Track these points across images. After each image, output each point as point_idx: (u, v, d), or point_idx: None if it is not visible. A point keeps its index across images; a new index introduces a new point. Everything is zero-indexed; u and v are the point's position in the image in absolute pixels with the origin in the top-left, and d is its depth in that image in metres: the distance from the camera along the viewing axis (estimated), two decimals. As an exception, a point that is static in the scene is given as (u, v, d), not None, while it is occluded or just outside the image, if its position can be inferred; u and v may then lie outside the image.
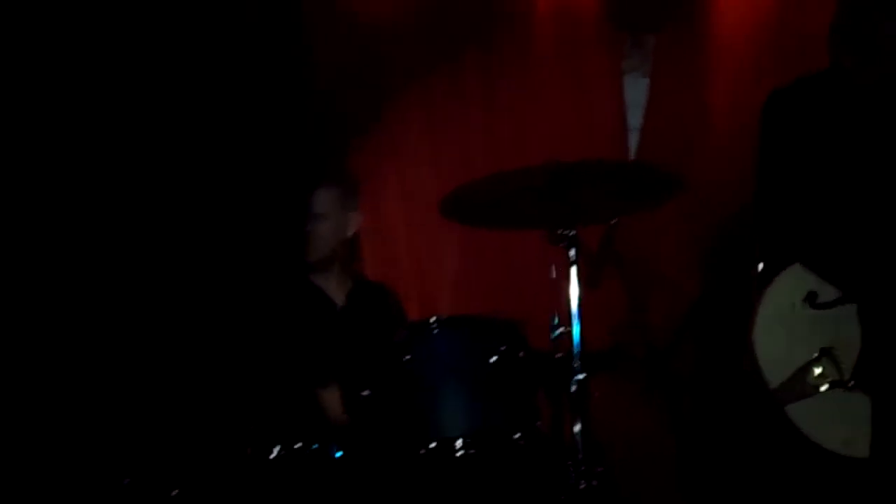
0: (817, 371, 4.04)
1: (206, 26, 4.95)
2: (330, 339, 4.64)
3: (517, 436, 3.99)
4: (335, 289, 4.77)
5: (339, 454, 3.97)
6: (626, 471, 4.92)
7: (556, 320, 4.29)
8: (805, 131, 4.16)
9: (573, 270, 4.26)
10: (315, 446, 3.97)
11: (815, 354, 4.04)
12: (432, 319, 4.13)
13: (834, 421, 4.01)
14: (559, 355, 4.25)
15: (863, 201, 4.11)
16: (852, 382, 4.02)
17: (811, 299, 4.10)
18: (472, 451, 3.92)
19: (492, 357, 4.05)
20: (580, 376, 4.15)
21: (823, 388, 4.02)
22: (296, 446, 3.96)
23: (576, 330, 4.19)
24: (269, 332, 4.54)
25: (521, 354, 4.13)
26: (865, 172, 4.15)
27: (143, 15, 4.92)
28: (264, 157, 4.92)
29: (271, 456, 3.95)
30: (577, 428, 4.13)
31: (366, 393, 4.03)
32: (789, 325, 4.08)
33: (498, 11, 5.45)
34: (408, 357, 3.99)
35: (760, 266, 4.20)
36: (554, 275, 4.33)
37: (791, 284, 4.12)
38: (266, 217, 4.83)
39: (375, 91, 5.40)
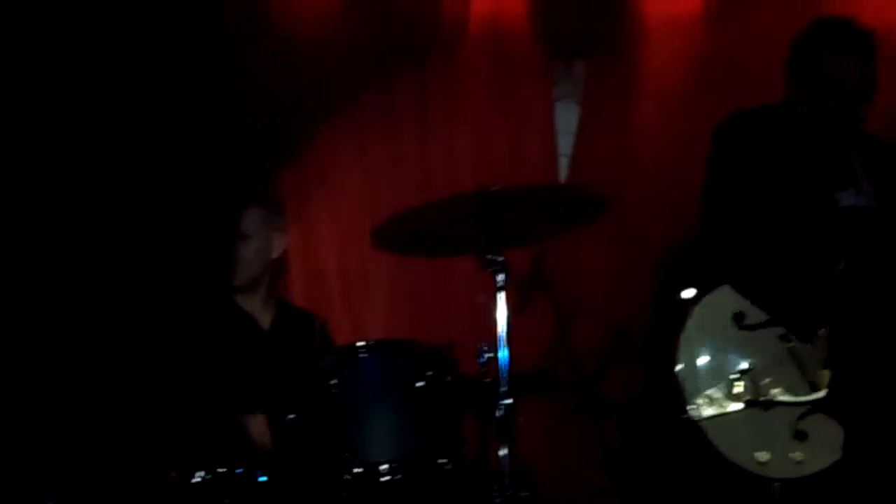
0: (736, 390, 4.09)
1: (134, 45, 4.92)
2: (255, 362, 4.62)
3: (443, 461, 3.99)
4: (261, 312, 4.75)
5: (263, 479, 3.96)
6: (553, 495, 4.95)
7: (485, 345, 4.31)
8: (753, 158, 4.23)
9: (501, 295, 4.28)
10: (239, 471, 3.95)
11: (737, 373, 4.10)
12: (360, 344, 4.14)
13: (749, 440, 4.06)
14: (487, 380, 4.27)
15: (799, 232, 4.18)
16: (771, 403, 4.08)
17: (738, 319, 4.16)
18: (397, 477, 3.93)
19: (419, 382, 4.06)
20: (507, 401, 4.17)
21: (739, 406, 4.08)
22: (220, 470, 3.94)
23: (503, 355, 4.21)
24: (194, 355, 4.50)
25: (448, 379, 4.14)
26: (804, 204, 4.24)
27: (76, 34, 4.89)
28: (192, 178, 4.88)
29: (195, 480, 3.94)
30: (503, 452, 4.14)
31: (291, 417, 4.02)
32: (715, 343, 4.14)
33: (430, 37, 5.47)
34: (334, 381, 3.99)
35: (687, 292, 4.25)
36: (483, 300, 4.35)
37: (721, 303, 4.18)
38: (193, 238, 4.78)
39: (306, 115, 5.39)
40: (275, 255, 4.81)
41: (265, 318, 4.75)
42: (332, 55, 5.39)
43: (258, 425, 4.42)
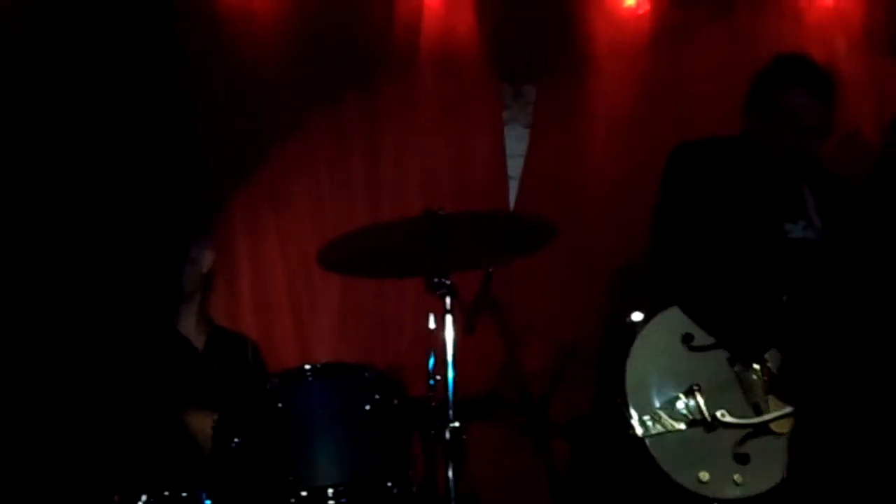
0: (681, 410, 4.12)
1: (89, 66, 4.90)
2: (191, 383, 4.60)
3: (389, 484, 3.99)
4: (194, 333, 4.74)
5: (208, 502, 3.94)
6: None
7: (432, 368, 4.32)
8: (706, 185, 4.27)
9: (449, 318, 4.29)
10: (184, 495, 3.93)
11: (682, 392, 4.13)
12: (306, 367, 4.13)
13: (690, 458, 4.08)
14: (434, 403, 4.27)
15: (747, 260, 4.22)
16: (715, 423, 4.11)
17: (687, 340, 4.19)
18: (343, 500, 3.91)
19: (365, 405, 4.05)
20: (454, 424, 4.17)
21: (682, 426, 4.10)
22: (164, 494, 3.92)
23: (450, 377, 4.21)
24: (130, 375, 4.47)
25: (395, 402, 4.13)
26: (753, 233, 4.29)
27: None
28: (139, 200, 4.86)
29: (139, 504, 3.91)
30: (450, 475, 4.14)
31: (237, 440, 4.00)
32: (662, 362, 4.16)
33: (379, 59, 5.47)
34: (280, 405, 3.98)
35: (636, 315, 4.28)
36: (431, 323, 4.36)
37: (670, 323, 4.21)
38: (136, 259, 4.76)
39: (256, 136, 5.38)
40: (204, 269, 4.81)
41: (199, 340, 4.74)
42: (282, 76, 5.38)
43: (199, 421, 4.36)
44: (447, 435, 4.16)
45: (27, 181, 4.75)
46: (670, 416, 4.11)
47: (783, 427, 4.17)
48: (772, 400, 4.18)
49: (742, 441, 4.13)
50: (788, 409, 4.18)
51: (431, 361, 4.31)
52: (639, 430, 4.07)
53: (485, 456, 4.91)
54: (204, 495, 3.94)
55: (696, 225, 4.23)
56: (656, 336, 4.20)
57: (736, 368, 4.19)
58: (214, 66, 5.29)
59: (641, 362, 4.15)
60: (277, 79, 5.38)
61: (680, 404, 4.13)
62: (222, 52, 5.33)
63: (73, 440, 4.46)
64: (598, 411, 5.00)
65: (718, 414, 4.12)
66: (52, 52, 4.82)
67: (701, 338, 4.20)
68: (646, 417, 4.09)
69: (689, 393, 4.13)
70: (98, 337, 4.55)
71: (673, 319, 4.22)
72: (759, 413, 4.16)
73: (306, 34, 5.42)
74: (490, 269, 4.81)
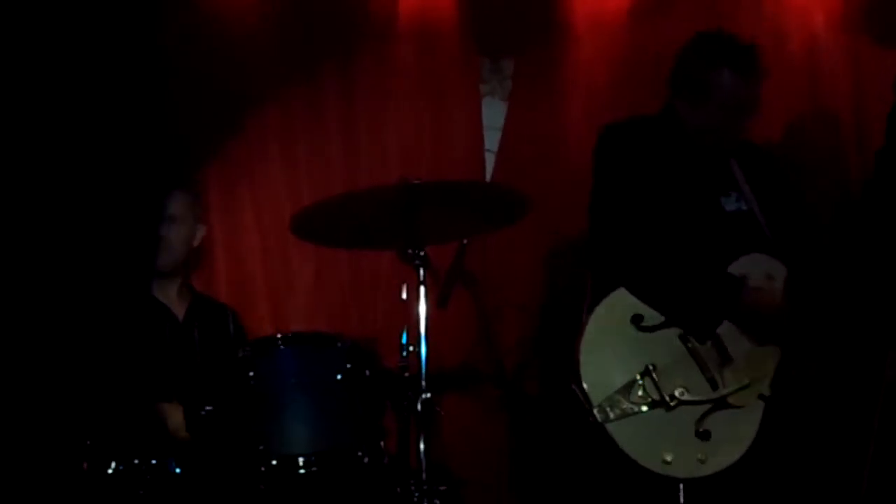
0: (638, 391, 4.11)
1: (61, 28, 4.85)
2: (170, 352, 4.58)
3: (360, 454, 3.99)
4: (175, 302, 4.72)
5: (177, 470, 3.93)
6: (472, 489, 4.96)
7: (406, 339, 4.32)
8: (634, 167, 4.28)
9: (423, 290, 4.29)
10: (153, 462, 3.92)
11: (638, 375, 4.12)
12: (278, 336, 4.13)
13: (653, 440, 4.08)
14: (407, 374, 4.28)
15: (689, 236, 4.23)
16: (674, 402, 4.11)
17: (637, 321, 4.19)
18: (314, 469, 3.92)
19: (337, 375, 4.05)
20: (426, 395, 4.18)
21: (642, 409, 4.10)
22: (133, 462, 3.91)
23: (423, 349, 4.22)
24: (108, 343, 4.45)
25: (367, 373, 4.14)
26: (692, 209, 4.30)
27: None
28: (115, 165, 4.82)
29: (108, 471, 3.90)
30: (421, 447, 4.15)
31: (208, 409, 4.00)
32: (615, 345, 4.16)
33: (357, 29, 5.43)
34: (251, 373, 3.98)
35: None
36: (405, 294, 4.36)
37: (619, 305, 4.20)
38: (113, 225, 4.72)
39: (232, 106, 5.35)
40: (195, 243, 4.83)
41: (179, 309, 4.72)
42: (258, 46, 5.33)
43: (175, 414, 4.38)
44: (419, 406, 4.18)
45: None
46: (629, 400, 4.09)
47: (741, 400, 4.18)
48: (727, 373, 4.19)
49: (702, 418, 4.13)
50: (746, 382, 4.19)
51: (405, 333, 4.32)
52: (599, 417, 4.06)
53: (458, 428, 4.91)
54: (174, 463, 3.95)
55: (635, 205, 4.21)
56: (606, 319, 4.18)
57: (689, 345, 4.19)
58: (191, 35, 5.25)
59: (595, 347, 4.14)
60: (256, 48, 5.33)
61: (637, 387, 4.11)
62: (199, 21, 5.28)
63: (41, 408, 4.44)
64: (552, 394, 5.00)
65: (677, 392, 4.12)
66: (21, 14, 4.76)
67: (651, 317, 4.19)
68: (605, 403, 4.07)
69: (646, 374, 4.13)
70: (71, 304, 4.52)
71: (621, 301, 4.20)
72: (715, 388, 4.17)
73: (285, 4, 5.38)
74: (465, 241, 4.82)
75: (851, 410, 4.52)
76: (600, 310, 4.19)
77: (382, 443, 4.13)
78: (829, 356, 4.59)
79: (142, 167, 4.85)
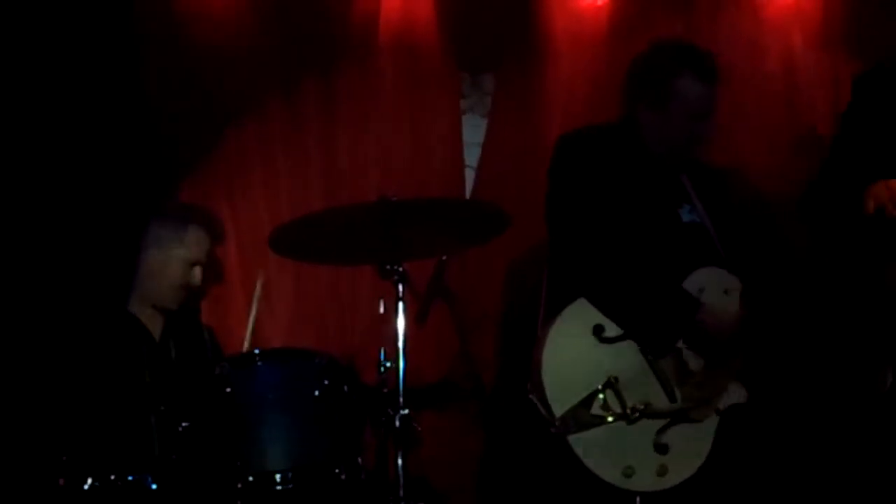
0: (600, 403, 4.11)
1: (38, 45, 4.84)
2: (146, 369, 4.56)
3: (337, 470, 3.99)
4: (152, 319, 4.69)
5: (154, 486, 3.92)
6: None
7: (384, 355, 4.32)
8: (592, 175, 4.28)
9: (401, 305, 4.30)
10: (130, 478, 3.91)
11: (599, 386, 4.12)
12: (255, 352, 4.13)
13: (613, 453, 4.08)
14: (386, 390, 4.28)
15: (640, 246, 4.22)
16: (634, 415, 4.11)
17: (598, 332, 4.18)
18: (291, 485, 3.92)
19: (315, 391, 4.05)
20: (404, 411, 4.18)
21: (603, 421, 4.09)
22: (110, 478, 3.90)
23: (401, 365, 4.22)
24: (85, 359, 4.43)
25: (345, 388, 4.14)
26: (644, 219, 4.30)
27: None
28: (94, 183, 4.81)
29: (85, 487, 3.89)
30: (399, 462, 4.15)
31: (185, 425, 3.98)
32: (576, 356, 4.15)
33: (338, 44, 5.44)
34: (229, 389, 3.97)
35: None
36: (383, 310, 4.36)
37: (580, 315, 4.19)
38: (91, 243, 4.71)
39: (211, 120, 5.34)
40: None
41: (156, 326, 4.69)
42: (239, 58, 5.34)
43: None
44: (397, 422, 4.18)
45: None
46: (590, 412, 4.09)
47: (701, 414, 4.18)
48: (687, 387, 4.19)
49: (661, 431, 4.13)
50: (706, 396, 4.19)
51: (382, 349, 4.32)
52: (560, 428, 4.05)
53: (437, 443, 4.90)
54: (150, 479, 3.94)
55: (593, 214, 4.20)
56: (567, 329, 4.17)
57: (650, 358, 4.18)
58: (171, 47, 5.25)
59: (556, 357, 4.12)
60: (235, 61, 5.33)
61: (599, 399, 4.10)
62: (179, 33, 5.28)
63: (18, 423, 4.42)
64: (510, 403, 4.98)
65: (637, 405, 4.12)
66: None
67: (612, 329, 4.18)
68: (566, 414, 4.06)
69: (607, 386, 4.12)
70: (47, 320, 4.51)
71: (582, 311, 4.19)
72: (674, 401, 4.17)
73: (265, 16, 5.38)
74: (443, 258, 4.82)
75: (841, 420, 4.56)
76: (561, 320, 4.17)
77: (360, 458, 4.13)
78: (818, 366, 4.63)
79: (118, 181, 4.84)
